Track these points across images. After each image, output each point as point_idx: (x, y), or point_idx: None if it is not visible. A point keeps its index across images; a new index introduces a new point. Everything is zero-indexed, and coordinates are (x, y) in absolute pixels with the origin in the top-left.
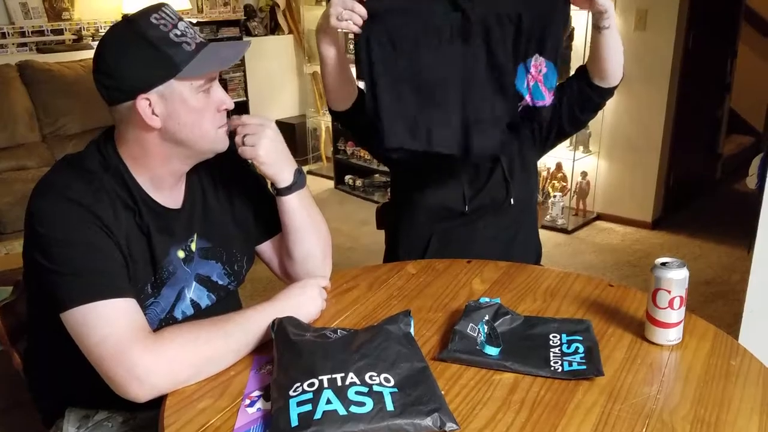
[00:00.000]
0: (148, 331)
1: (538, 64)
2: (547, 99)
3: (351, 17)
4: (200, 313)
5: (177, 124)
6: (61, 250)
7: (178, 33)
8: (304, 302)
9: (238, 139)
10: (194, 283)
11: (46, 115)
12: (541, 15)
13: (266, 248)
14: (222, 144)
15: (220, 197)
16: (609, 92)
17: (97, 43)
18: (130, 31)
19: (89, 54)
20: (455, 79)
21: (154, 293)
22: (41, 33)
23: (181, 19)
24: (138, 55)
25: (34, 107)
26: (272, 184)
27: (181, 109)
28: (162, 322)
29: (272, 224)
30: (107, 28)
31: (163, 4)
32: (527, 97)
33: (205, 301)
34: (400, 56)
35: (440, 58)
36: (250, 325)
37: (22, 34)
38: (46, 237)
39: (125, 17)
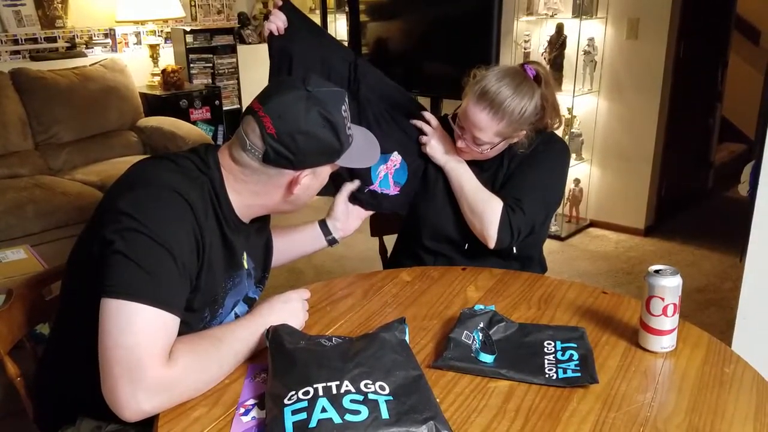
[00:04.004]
0: (168, 353)
1: (395, 160)
2: (392, 190)
3: (275, 20)
4: None
5: (305, 194)
6: (148, 242)
7: (348, 125)
8: (287, 317)
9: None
10: (240, 301)
11: (39, 123)
12: (407, 123)
13: None
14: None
15: (265, 221)
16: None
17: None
18: (325, 118)
19: (83, 62)
20: None
21: (221, 304)
22: (34, 41)
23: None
24: (325, 142)
25: (27, 115)
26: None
27: (318, 184)
28: None
29: None
30: (97, 34)
31: (345, 93)
32: (375, 183)
33: (241, 314)
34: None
35: None
36: (237, 344)
37: (15, 42)
38: (139, 224)
39: (315, 97)
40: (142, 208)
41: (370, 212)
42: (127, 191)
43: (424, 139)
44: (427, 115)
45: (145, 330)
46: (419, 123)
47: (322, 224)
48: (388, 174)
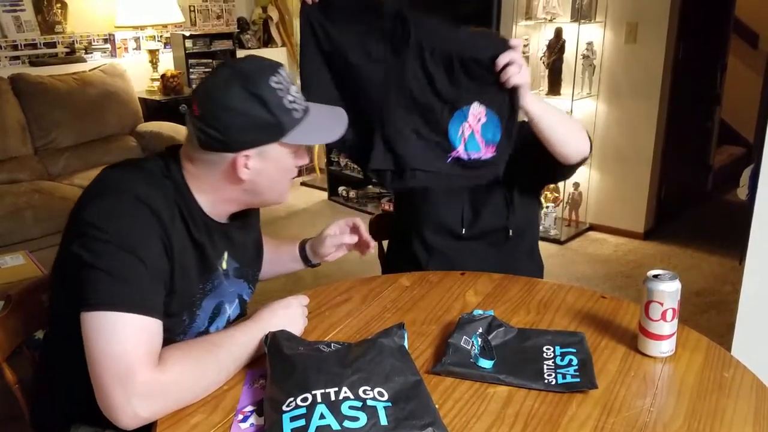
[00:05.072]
0: (157, 357)
1: (477, 113)
2: (483, 152)
3: None
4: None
5: (263, 180)
6: (115, 250)
7: (291, 99)
8: (287, 323)
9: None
10: (236, 301)
11: (39, 128)
12: (483, 63)
13: None
14: (286, 198)
15: (250, 217)
16: (570, 168)
17: (82, 55)
18: (249, 91)
19: (82, 67)
20: (378, 97)
21: (199, 306)
22: (34, 46)
23: (292, 83)
24: (254, 117)
25: (26, 120)
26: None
27: (273, 168)
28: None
29: None
30: (96, 39)
31: (279, 65)
32: (460, 148)
33: (234, 316)
34: (334, 56)
35: (369, 73)
36: (235, 350)
37: (15, 47)
38: (103, 233)
39: (239, 70)
40: (105, 217)
41: (354, 242)
42: (91, 201)
43: (512, 69)
44: (512, 41)
45: (128, 337)
46: (506, 57)
47: (302, 249)
48: (474, 132)
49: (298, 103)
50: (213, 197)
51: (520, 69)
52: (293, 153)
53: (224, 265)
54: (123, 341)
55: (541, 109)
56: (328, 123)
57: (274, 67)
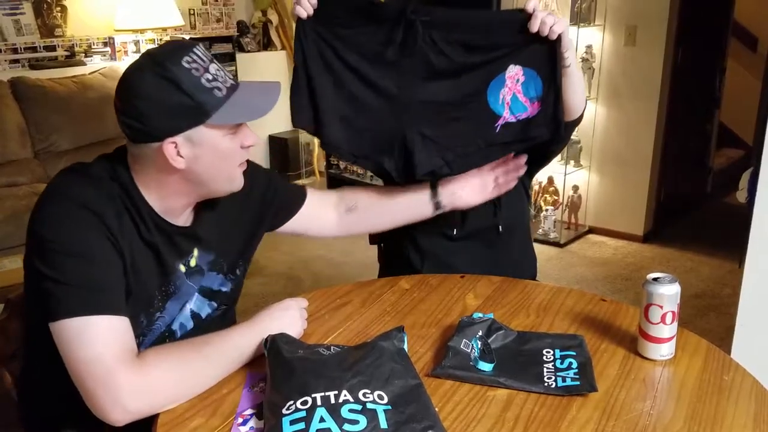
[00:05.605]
0: (135, 353)
1: (515, 74)
2: (530, 110)
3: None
4: (201, 324)
5: (202, 167)
6: (65, 258)
7: (210, 77)
8: (286, 325)
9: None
10: (196, 294)
11: (38, 131)
12: (508, 39)
13: (293, 224)
14: (239, 184)
15: (233, 203)
16: (570, 125)
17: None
18: (160, 75)
19: (82, 70)
20: (391, 103)
21: (159, 308)
22: (33, 49)
23: (212, 61)
24: (169, 101)
25: (26, 123)
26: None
27: (208, 152)
28: (162, 336)
29: (293, 203)
30: (96, 43)
31: (194, 45)
32: (505, 113)
33: (206, 311)
34: (338, 67)
35: (381, 76)
36: (231, 351)
37: (14, 51)
38: (51, 242)
39: (151, 55)
40: (51, 226)
41: (499, 191)
42: (39, 210)
43: (548, 20)
44: (529, 5)
45: (99, 339)
46: (536, 19)
47: (433, 189)
48: (516, 94)
49: (220, 81)
50: (160, 192)
51: (554, 19)
52: (230, 134)
53: (193, 263)
54: (93, 344)
55: (573, 57)
56: (258, 98)
57: (187, 47)
